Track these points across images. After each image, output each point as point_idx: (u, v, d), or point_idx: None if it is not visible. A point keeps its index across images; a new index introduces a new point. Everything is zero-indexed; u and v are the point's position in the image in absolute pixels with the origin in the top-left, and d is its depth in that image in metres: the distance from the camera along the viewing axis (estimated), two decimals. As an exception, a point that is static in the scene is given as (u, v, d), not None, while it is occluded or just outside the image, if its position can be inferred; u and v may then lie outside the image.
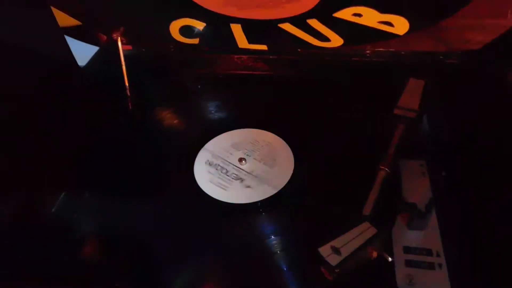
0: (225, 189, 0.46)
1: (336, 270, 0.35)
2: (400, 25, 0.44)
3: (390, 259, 0.34)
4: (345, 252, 0.35)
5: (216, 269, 0.41)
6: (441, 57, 0.54)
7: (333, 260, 0.35)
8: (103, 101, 0.58)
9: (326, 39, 0.48)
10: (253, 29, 0.48)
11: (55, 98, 0.51)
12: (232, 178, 0.47)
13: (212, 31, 0.50)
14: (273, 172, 0.47)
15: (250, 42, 0.51)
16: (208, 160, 0.49)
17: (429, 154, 0.48)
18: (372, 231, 0.37)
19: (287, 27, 0.46)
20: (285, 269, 0.39)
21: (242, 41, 0.51)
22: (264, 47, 0.52)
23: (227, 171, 0.47)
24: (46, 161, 0.48)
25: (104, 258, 0.43)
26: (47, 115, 0.50)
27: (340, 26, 0.45)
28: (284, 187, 0.46)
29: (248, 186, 0.46)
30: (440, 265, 0.39)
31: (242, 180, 0.47)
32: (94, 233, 0.45)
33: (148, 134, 0.56)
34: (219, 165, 0.48)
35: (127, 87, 0.59)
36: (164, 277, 0.40)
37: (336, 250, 0.36)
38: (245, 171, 0.47)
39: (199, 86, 0.59)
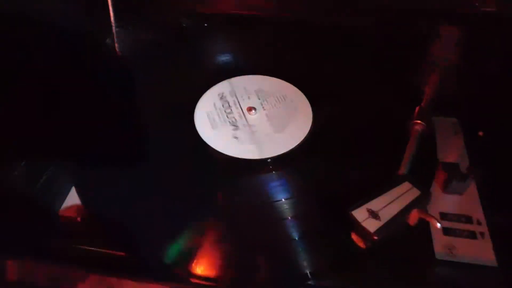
0: (213, 129, 0.41)
1: (374, 238, 0.29)
2: None
3: (439, 225, 0.29)
4: (385, 216, 0.30)
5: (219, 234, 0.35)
6: (476, 4, 0.47)
7: (371, 225, 0.29)
8: (84, 42, 0.50)
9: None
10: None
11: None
12: (228, 122, 0.41)
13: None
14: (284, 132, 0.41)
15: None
16: (223, 93, 0.44)
17: (463, 111, 0.43)
18: (414, 192, 0.31)
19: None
20: (301, 236, 0.34)
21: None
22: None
23: (230, 112, 0.42)
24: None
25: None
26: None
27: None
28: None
29: (235, 137, 0.40)
30: (482, 234, 0.34)
31: (236, 127, 0.41)
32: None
33: (139, 81, 0.48)
34: (228, 102, 0.43)
35: (114, 25, 0.50)
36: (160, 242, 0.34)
37: (374, 214, 0.30)
38: (247, 122, 0.41)
39: (205, 24, 0.51)
